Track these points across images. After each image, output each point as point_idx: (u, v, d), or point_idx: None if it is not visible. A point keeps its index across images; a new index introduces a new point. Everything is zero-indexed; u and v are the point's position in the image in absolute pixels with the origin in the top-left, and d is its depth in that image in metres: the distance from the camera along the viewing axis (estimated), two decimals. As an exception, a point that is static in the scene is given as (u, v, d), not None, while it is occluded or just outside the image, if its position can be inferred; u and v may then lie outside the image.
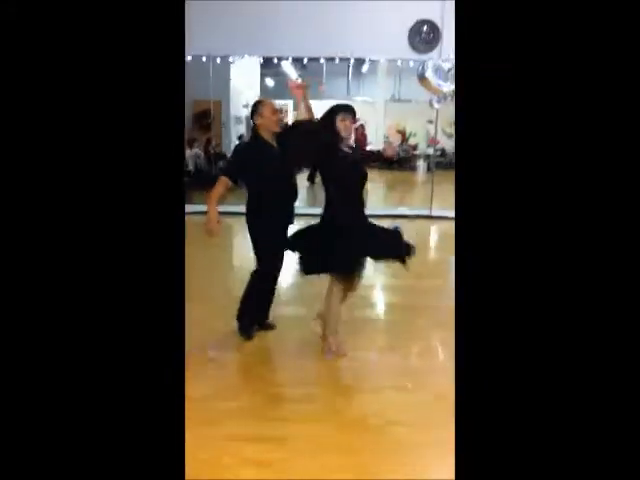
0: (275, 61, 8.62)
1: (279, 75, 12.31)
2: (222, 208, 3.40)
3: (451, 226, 6.80)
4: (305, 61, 8.59)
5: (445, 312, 4.02)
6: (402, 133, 13.55)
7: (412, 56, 8.06)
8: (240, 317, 3.65)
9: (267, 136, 3.39)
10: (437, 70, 7.48)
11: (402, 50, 8.03)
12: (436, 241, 7.60)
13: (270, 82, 13.67)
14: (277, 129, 3.38)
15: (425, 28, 7.95)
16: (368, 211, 3.27)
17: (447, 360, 3.37)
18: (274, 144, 3.38)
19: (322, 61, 8.62)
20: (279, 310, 4.02)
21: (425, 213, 8.43)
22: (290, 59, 8.60)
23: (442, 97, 7.11)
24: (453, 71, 7.79)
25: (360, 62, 9.21)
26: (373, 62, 9.64)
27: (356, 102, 11.66)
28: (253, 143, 3.44)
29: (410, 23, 7.94)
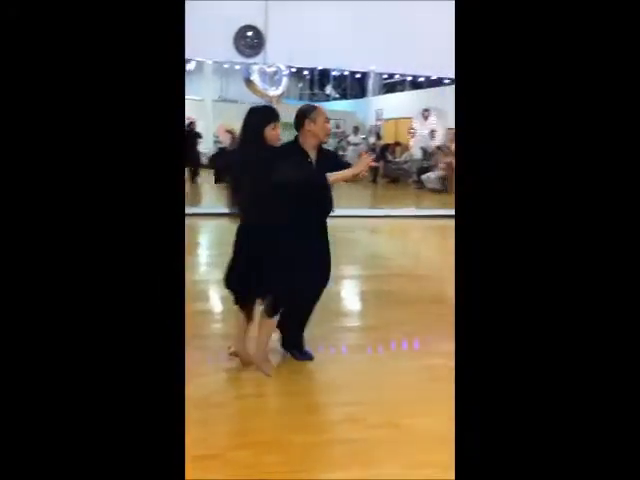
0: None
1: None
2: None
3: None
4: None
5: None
6: (231, 133, 13.73)
7: (238, 59, 8.32)
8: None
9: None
10: (262, 74, 7.85)
11: (228, 53, 8.25)
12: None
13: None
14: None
15: (250, 33, 8.26)
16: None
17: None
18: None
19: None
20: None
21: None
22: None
23: (269, 100, 7.47)
24: (278, 76, 8.23)
25: (187, 61, 9.25)
26: (200, 62, 9.72)
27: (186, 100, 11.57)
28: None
29: (235, 27, 8.18)
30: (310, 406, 2.86)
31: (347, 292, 5.24)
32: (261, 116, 2.90)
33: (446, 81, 10.61)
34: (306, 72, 16.81)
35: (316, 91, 20.16)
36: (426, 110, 13.96)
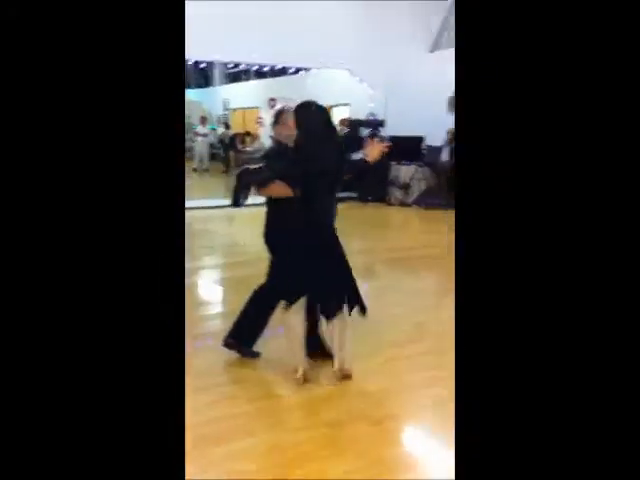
0: None
1: None
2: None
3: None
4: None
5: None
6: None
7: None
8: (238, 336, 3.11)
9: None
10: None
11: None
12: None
13: None
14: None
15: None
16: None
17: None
18: None
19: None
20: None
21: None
22: None
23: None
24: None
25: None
26: None
27: None
28: None
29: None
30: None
31: (206, 281, 5.23)
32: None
33: (290, 70, 10.82)
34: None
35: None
36: (272, 99, 14.16)
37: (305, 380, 2.82)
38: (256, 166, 2.89)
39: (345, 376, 2.86)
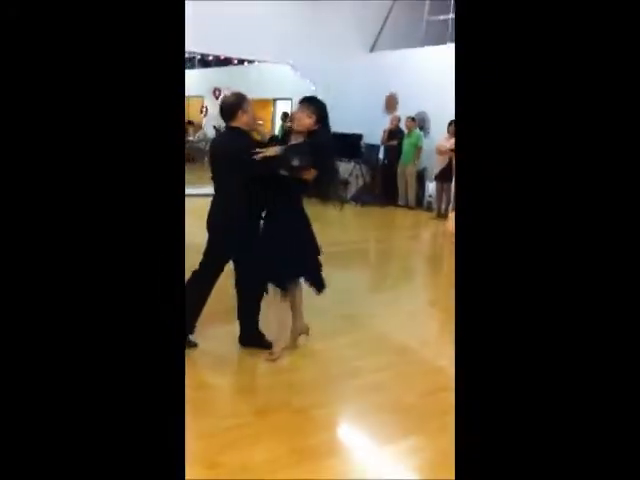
0: None
1: None
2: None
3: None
4: None
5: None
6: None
7: None
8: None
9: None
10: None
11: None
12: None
13: None
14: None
15: None
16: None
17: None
18: None
19: None
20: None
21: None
22: None
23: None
24: None
25: None
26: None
27: None
28: None
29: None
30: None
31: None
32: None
33: (235, 62, 10.79)
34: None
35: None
36: (217, 89, 14.04)
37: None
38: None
39: (303, 332, 3.35)
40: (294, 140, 3.09)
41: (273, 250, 3.04)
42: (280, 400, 2.75)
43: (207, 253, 3.15)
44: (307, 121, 3.03)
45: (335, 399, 2.84)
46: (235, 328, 3.34)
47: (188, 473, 2.11)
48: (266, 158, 2.86)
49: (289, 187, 3.04)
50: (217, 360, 3.14)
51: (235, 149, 2.98)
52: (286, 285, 3.16)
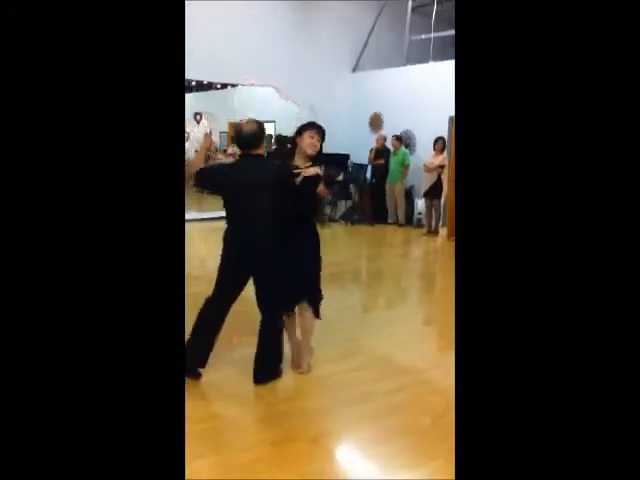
0: None
1: None
2: None
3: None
4: None
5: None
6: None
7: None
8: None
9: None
10: None
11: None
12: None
13: None
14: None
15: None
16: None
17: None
18: None
19: None
20: None
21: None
22: None
23: None
24: None
25: None
26: None
27: None
28: None
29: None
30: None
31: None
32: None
33: (218, 86, 10.80)
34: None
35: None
36: (197, 114, 14.04)
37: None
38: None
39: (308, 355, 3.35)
40: (298, 161, 3.14)
41: (300, 270, 3.12)
42: (295, 429, 2.69)
43: (225, 280, 3.09)
44: (318, 145, 3.13)
45: (350, 425, 2.77)
46: (240, 354, 3.30)
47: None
48: (312, 177, 2.99)
49: (316, 206, 3.17)
50: (226, 389, 3.08)
51: (284, 174, 3.03)
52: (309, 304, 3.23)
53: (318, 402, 3.00)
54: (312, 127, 3.14)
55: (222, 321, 3.11)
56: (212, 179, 3.23)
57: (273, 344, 3.15)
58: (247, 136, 3.02)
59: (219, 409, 2.92)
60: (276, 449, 2.50)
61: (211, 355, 3.17)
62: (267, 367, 3.14)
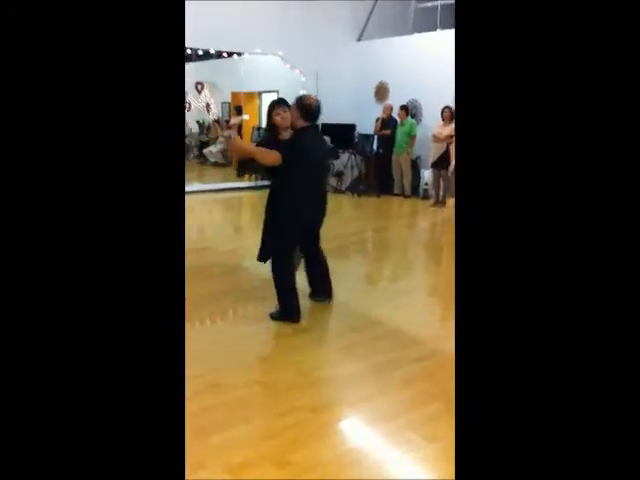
0: None
1: None
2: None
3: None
4: None
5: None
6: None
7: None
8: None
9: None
10: None
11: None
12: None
13: None
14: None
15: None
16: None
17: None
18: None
19: None
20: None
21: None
22: None
23: None
24: None
25: None
26: None
27: None
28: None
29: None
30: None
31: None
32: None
33: (224, 55, 10.67)
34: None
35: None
36: (199, 83, 13.88)
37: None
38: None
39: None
40: (284, 135, 3.66)
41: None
42: (331, 396, 2.78)
43: (294, 237, 3.66)
44: (288, 117, 3.62)
45: (383, 391, 2.85)
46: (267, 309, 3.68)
47: (258, 473, 2.17)
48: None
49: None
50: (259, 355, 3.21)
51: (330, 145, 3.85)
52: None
53: (351, 369, 3.08)
54: (277, 106, 3.67)
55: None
56: (290, 156, 3.49)
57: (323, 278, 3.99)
58: (316, 109, 3.53)
59: (253, 376, 3.01)
60: (316, 414, 2.59)
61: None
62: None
